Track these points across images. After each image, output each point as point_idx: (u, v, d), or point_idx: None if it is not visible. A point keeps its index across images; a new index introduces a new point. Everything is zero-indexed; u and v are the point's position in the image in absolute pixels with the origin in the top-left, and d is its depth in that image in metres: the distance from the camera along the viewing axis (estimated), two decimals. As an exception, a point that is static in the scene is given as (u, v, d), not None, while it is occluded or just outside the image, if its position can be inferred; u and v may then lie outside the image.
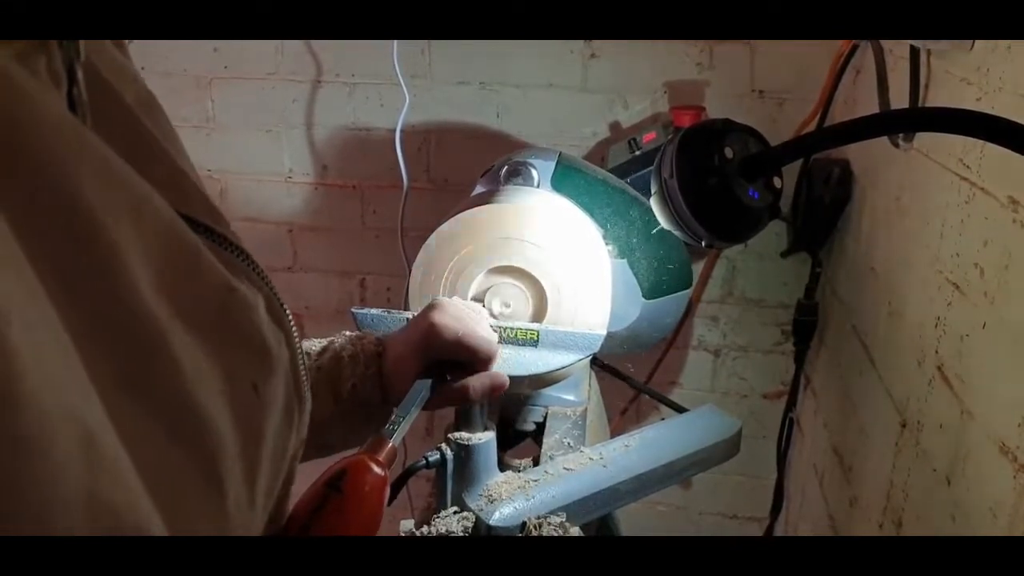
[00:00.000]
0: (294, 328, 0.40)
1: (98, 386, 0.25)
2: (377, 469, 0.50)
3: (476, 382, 0.71)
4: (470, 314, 0.74)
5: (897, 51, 1.00)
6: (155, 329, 0.28)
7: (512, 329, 0.81)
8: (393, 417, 0.61)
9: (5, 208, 0.23)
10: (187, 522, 0.29)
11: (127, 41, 0.39)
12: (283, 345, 0.38)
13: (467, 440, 0.75)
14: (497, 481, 0.77)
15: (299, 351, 0.40)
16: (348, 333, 0.74)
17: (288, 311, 0.39)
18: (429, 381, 0.67)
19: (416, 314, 0.76)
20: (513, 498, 0.75)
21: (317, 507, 0.46)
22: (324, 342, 0.73)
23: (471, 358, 0.71)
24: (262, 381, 0.35)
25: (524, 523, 0.73)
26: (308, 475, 0.49)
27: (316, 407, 0.68)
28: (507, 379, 0.73)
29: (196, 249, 0.32)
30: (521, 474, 0.80)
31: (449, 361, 0.70)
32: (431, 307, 0.73)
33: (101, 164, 0.28)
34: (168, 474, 0.28)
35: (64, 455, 0.23)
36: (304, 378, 0.41)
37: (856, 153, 1.21)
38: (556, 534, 0.72)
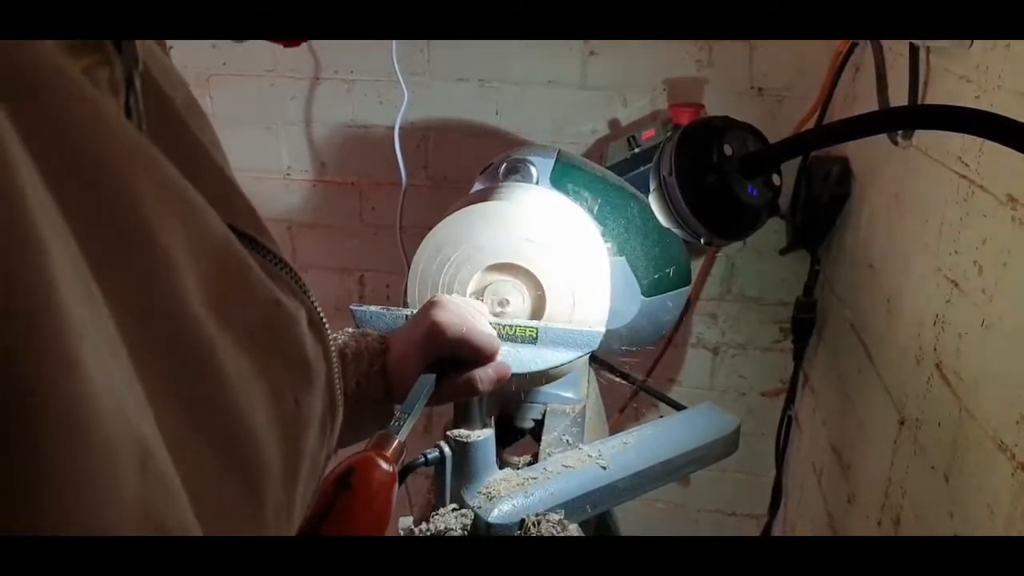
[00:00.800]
0: (332, 343, 0.40)
1: (151, 400, 0.25)
2: (385, 465, 0.50)
3: (482, 373, 0.71)
4: (471, 311, 0.74)
5: (896, 49, 1.00)
6: (205, 342, 0.28)
7: (511, 326, 0.81)
8: (398, 413, 0.61)
9: (70, 218, 0.23)
10: (228, 534, 0.29)
11: (169, 44, 0.38)
12: (322, 359, 0.38)
13: (466, 437, 0.75)
14: (496, 478, 0.77)
15: (335, 366, 0.40)
16: (350, 330, 0.74)
17: (327, 325, 0.39)
18: (433, 376, 0.67)
19: (416, 311, 0.76)
20: (512, 495, 0.75)
21: (328, 505, 0.46)
22: None
23: (474, 355, 0.71)
24: (303, 395, 0.35)
25: (523, 520, 0.73)
26: None
27: None
28: (511, 368, 0.73)
29: (246, 263, 0.32)
30: (520, 471, 0.80)
31: (451, 358, 0.70)
32: (432, 304, 0.73)
33: (160, 176, 0.28)
34: (213, 486, 0.28)
35: (124, 477, 0.23)
36: (338, 390, 0.41)
37: (855, 151, 1.21)
38: (555, 531, 0.72)
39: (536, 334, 0.81)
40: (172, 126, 0.33)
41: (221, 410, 0.29)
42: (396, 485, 0.51)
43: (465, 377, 0.70)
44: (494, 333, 0.73)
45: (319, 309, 0.39)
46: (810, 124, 1.31)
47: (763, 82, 1.37)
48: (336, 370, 0.40)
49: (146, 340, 0.26)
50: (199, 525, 0.26)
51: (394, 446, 0.54)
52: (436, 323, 0.70)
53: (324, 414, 0.38)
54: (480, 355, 0.71)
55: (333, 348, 0.40)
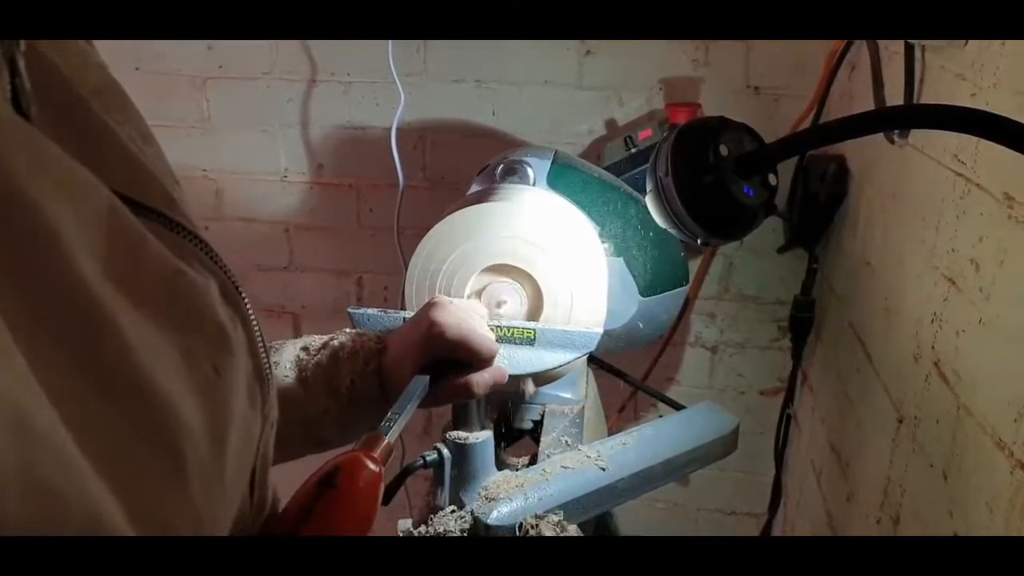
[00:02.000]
0: (251, 312, 0.40)
1: (45, 369, 0.25)
2: (372, 466, 0.50)
3: (478, 377, 0.71)
4: (470, 313, 0.74)
5: (892, 47, 1.00)
6: (103, 312, 0.28)
7: (509, 328, 0.81)
8: (389, 414, 0.60)
9: None
10: (148, 502, 0.29)
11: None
12: (240, 328, 0.38)
13: (465, 439, 0.75)
14: (495, 480, 0.77)
15: (258, 334, 0.40)
16: (349, 331, 0.74)
17: (244, 295, 0.40)
18: (427, 378, 0.67)
19: (414, 313, 0.76)
20: (511, 497, 0.75)
21: (311, 503, 0.46)
22: (324, 338, 0.73)
23: (472, 357, 0.71)
24: (221, 362, 0.35)
25: (522, 522, 0.73)
26: (301, 473, 0.49)
27: (313, 403, 0.68)
28: (507, 373, 0.73)
29: (139, 234, 0.32)
30: (519, 473, 0.80)
31: (448, 359, 0.70)
32: (431, 305, 0.73)
33: (38, 155, 0.28)
34: (127, 454, 0.28)
35: None
36: (265, 361, 0.41)
37: (852, 149, 1.21)
38: (554, 533, 0.72)
39: (534, 335, 0.81)
40: (68, 107, 0.33)
41: (129, 376, 0.29)
42: (382, 486, 0.50)
43: (462, 380, 0.70)
44: (492, 336, 0.74)
45: (235, 281, 0.39)
46: (807, 123, 1.31)
47: (759, 81, 1.38)
48: (261, 340, 0.41)
49: (35, 310, 0.26)
50: (110, 492, 0.26)
51: (382, 447, 0.54)
52: (435, 323, 0.70)
53: (251, 383, 0.39)
54: (478, 357, 0.71)
55: (254, 319, 0.40)
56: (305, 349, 0.72)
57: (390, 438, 0.56)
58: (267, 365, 0.41)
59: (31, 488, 0.23)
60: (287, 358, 0.71)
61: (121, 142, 0.35)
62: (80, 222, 0.29)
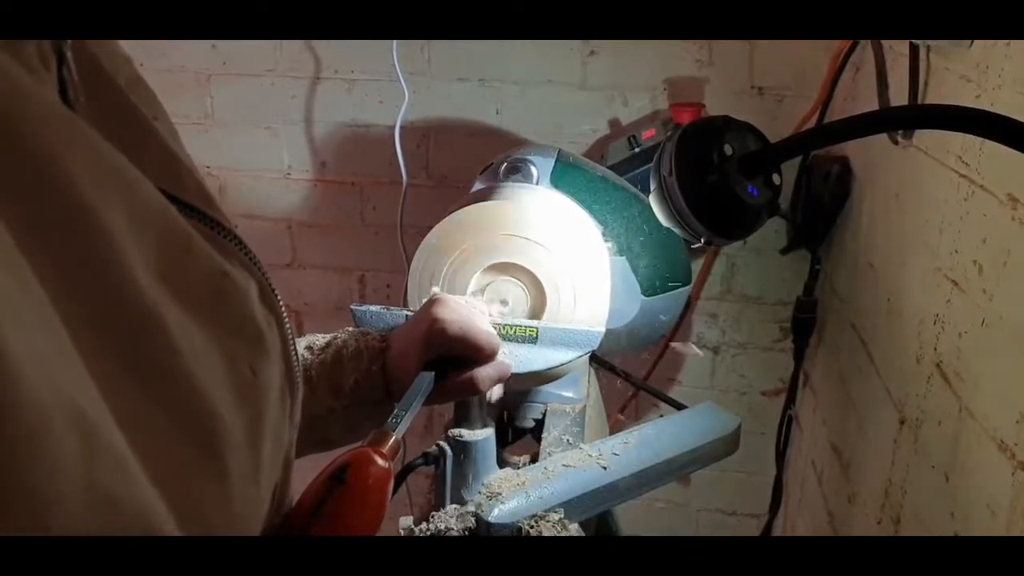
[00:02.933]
0: (285, 314, 0.40)
1: (99, 376, 0.25)
2: (381, 461, 0.50)
3: (482, 373, 0.71)
4: (471, 309, 0.74)
5: (896, 48, 1.00)
6: (154, 315, 0.28)
7: (511, 326, 0.81)
8: (396, 410, 0.60)
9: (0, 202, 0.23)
10: (191, 503, 0.29)
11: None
12: (275, 330, 0.38)
13: (466, 437, 0.75)
14: (496, 478, 0.77)
15: (290, 337, 0.40)
16: (351, 329, 0.74)
17: (279, 297, 0.40)
18: (432, 374, 0.66)
19: (416, 310, 0.76)
20: (512, 495, 0.75)
21: (321, 500, 0.46)
22: (328, 337, 0.73)
23: (474, 353, 0.70)
24: (258, 364, 0.35)
25: (523, 520, 0.73)
26: (309, 471, 0.49)
27: (318, 402, 0.68)
28: (511, 367, 0.73)
29: (188, 234, 0.32)
30: (520, 471, 0.80)
31: (451, 356, 0.70)
32: (433, 302, 0.73)
33: (93, 153, 0.28)
34: (172, 456, 0.28)
35: (61, 450, 0.22)
36: (296, 364, 0.41)
37: (855, 150, 1.21)
38: (555, 531, 0.72)
39: (536, 334, 0.81)
40: (112, 99, 0.33)
41: (176, 381, 0.29)
42: (392, 482, 0.50)
43: (466, 376, 0.70)
44: (494, 332, 0.73)
45: (271, 281, 0.39)
46: (810, 124, 1.31)
47: (763, 81, 1.37)
48: (292, 342, 0.40)
49: (91, 316, 0.26)
50: (159, 493, 0.26)
51: (391, 443, 0.54)
52: (437, 320, 0.70)
53: (282, 385, 0.39)
54: (480, 353, 0.71)
55: (287, 321, 0.40)
56: (309, 349, 0.72)
57: (398, 434, 0.56)
58: (297, 367, 0.41)
59: (93, 497, 0.23)
60: None
61: (161, 137, 0.35)
62: (133, 222, 0.28)
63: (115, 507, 0.24)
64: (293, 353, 0.41)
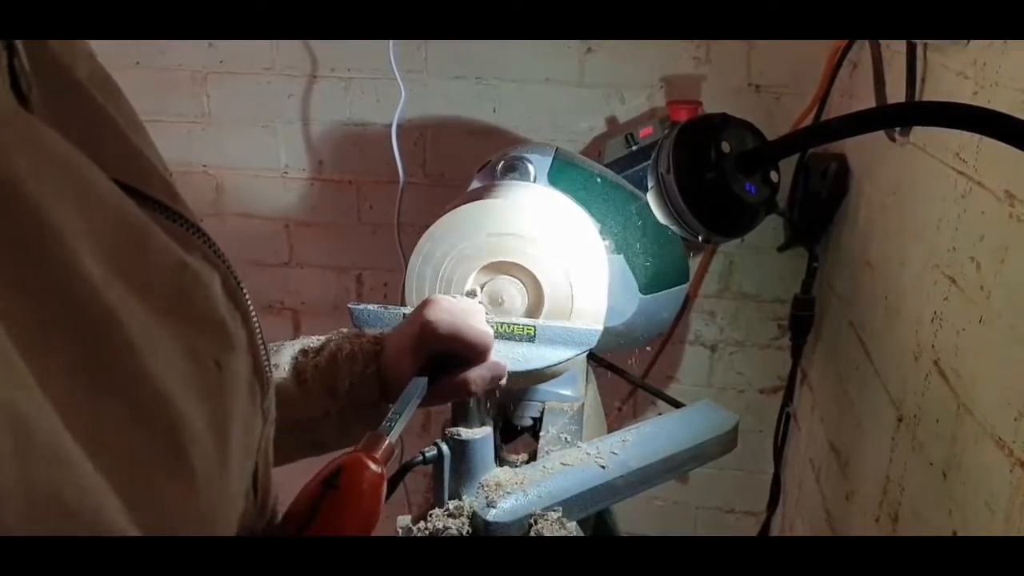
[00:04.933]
0: (251, 307, 0.40)
1: (48, 374, 0.25)
2: (374, 466, 0.50)
3: (475, 374, 0.71)
4: (464, 308, 0.74)
5: (893, 46, 0.99)
6: (107, 311, 0.28)
7: (508, 325, 0.81)
8: (389, 414, 0.60)
9: None
10: (154, 500, 0.28)
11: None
12: (240, 324, 0.38)
13: (464, 436, 0.75)
14: (494, 476, 0.77)
15: (258, 332, 0.40)
16: (345, 331, 0.74)
17: (245, 291, 0.39)
18: (425, 379, 0.66)
19: (413, 309, 0.76)
20: (510, 494, 0.75)
21: (315, 505, 0.46)
22: (322, 340, 0.73)
23: (466, 351, 0.70)
24: (223, 358, 0.35)
25: (521, 519, 0.73)
26: (305, 474, 0.49)
27: (312, 405, 0.68)
28: (506, 368, 0.73)
29: (145, 227, 0.32)
30: (518, 469, 0.80)
31: (446, 357, 0.70)
32: (425, 304, 0.73)
33: (40, 148, 0.28)
34: (131, 454, 0.28)
35: None
36: (265, 360, 0.41)
37: (853, 147, 1.21)
38: (553, 530, 0.72)
39: (534, 332, 0.81)
40: (68, 92, 0.33)
41: (134, 377, 0.29)
42: (385, 486, 0.50)
43: (460, 378, 0.70)
44: (488, 331, 0.73)
45: (236, 276, 0.39)
46: (808, 121, 1.31)
47: (761, 79, 1.37)
48: (260, 337, 0.40)
49: (39, 313, 0.26)
50: (113, 494, 0.26)
51: (384, 447, 0.54)
52: (427, 321, 0.69)
53: (251, 379, 0.38)
54: (472, 351, 0.70)
55: (255, 315, 0.40)
56: (304, 351, 0.71)
57: (391, 438, 0.56)
58: (266, 361, 0.41)
59: (33, 494, 0.23)
60: (285, 360, 0.70)
61: (120, 129, 0.35)
62: (85, 216, 0.28)
63: (60, 506, 0.24)
64: (262, 348, 0.40)
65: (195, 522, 0.31)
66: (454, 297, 0.78)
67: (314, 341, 0.73)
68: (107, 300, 0.28)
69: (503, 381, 0.74)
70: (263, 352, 0.41)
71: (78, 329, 0.27)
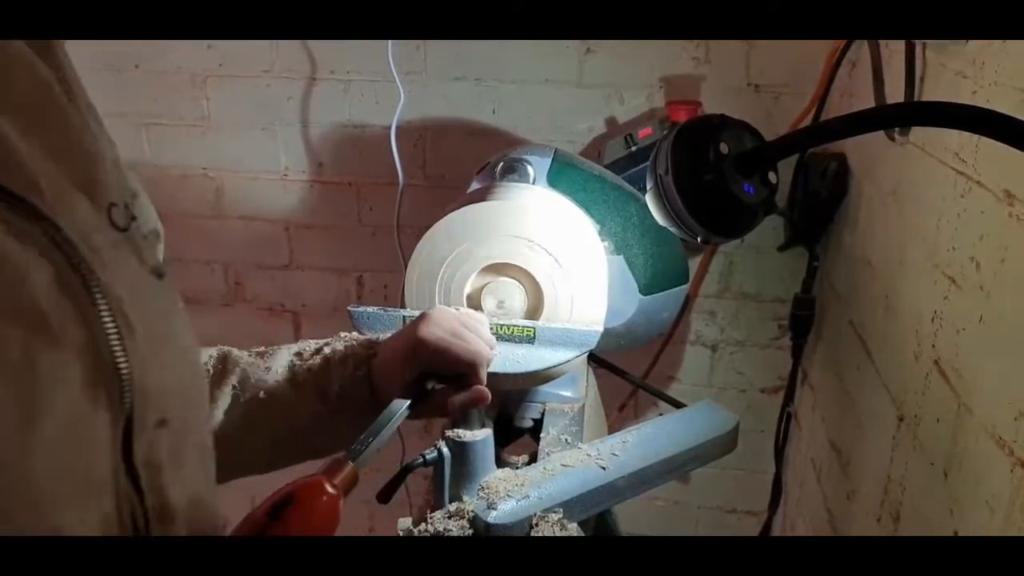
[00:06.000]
0: (102, 309, 0.38)
1: None
2: (330, 491, 0.48)
3: (456, 399, 0.71)
4: (466, 323, 0.74)
5: (892, 45, 0.99)
6: None
7: (508, 326, 0.81)
8: (361, 437, 0.59)
9: None
10: None
11: None
12: (72, 320, 0.37)
13: (464, 437, 0.75)
14: (495, 478, 0.77)
15: (111, 331, 0.39)
16: (344, 335, 0.74)
17: (96, 290, 0.38)
18: (406, 402, 0.66)
19: (414, 311, 0.76)
20: (511, 495, 0.75)
21: (259, 532, 0.44)
22: (319, 343, 0.73)
23: (457, 368, 0.71)
24: (38, 351, 0.34)
25: (522, 520, 0.73)
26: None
27: (305, 407, 0.68)
28: (488, 395, 0.73)
29: None
30: (519, 471, 0.79)
31: (436, 372, 0.70)
32: (422, 318, 0.73)
33: None
34: None
35: None
36: (121, 360, 0.39)
37: (852, 147, 1.21)
38: (554, 531, 0.72)
39: (534, 334, 0.81)
40: None
41: None
42: (339, 514, 0.48)
43: (439, 400, 0.70)
44: (482, 349, 0.73)
45: (85, 271, 0.38)
46: (807, 121, 1.31)
47: (760, 79, 1.37)
48: (112, 335, 0.39)
49: None
50: None
51: (345, 472, 0.52)
52: (420, 338, 0.70)
53: (92, 380, 0.38)
54: (463, 367, 0.71)
55: (107, 314, 0.39)
56: (299, 355, 0.72)
57: (358, 464, 0.54)
58: (123, 364, 0.39)
59: None
60: (281, 363, 0.71)
61: None
62: None
63: None
64: (118, 348, 0.39)
65: None
66: (457, 309, 0.78)
67: (310, 345, 0.73)
68: None
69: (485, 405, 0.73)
70: (120, 355, 0.39)
71: None
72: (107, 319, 0.39)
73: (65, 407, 0.36)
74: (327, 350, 0.71)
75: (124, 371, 0.40)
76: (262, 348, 0.73)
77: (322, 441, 0.70)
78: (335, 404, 0.69)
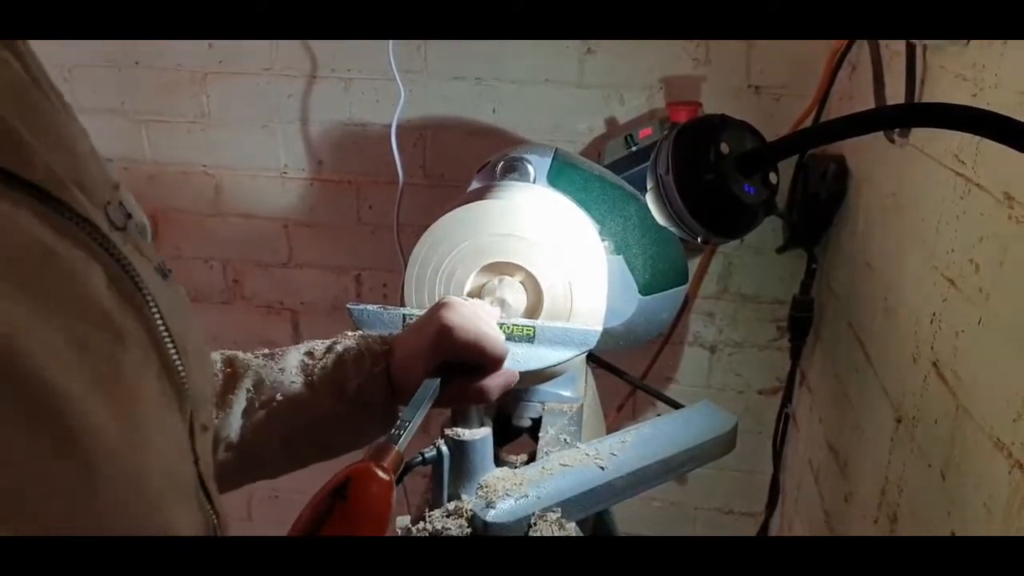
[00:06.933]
0: (153, 308, 0.39)
1: None
2: (382, 475, 0.50)
3: (492, 383, 0.70)
4: (481, 315, 0.73)
5: (893, 47, 1.00)
6: None
7: (508, 325, 0.80)
8: (399, 421, 0.60)
9: None
10: (35, 495, 0.28)
11: None
12: (133, 322, 0.37)
13: (463, 436, 0.75)
14: (493, 477, 0.77)
15: (161, 334, 0.39)
16: (351, 333, 0.74)
17: (145, 291, 0.38)
18: (437, 381, 0.66)
19: (414, 309, 0.76)
20: (509, 494, 0.75)
21: (322, 517, 0.46)
22: (328, 342, 0.72)
23: (482, 360, 0.70)
24: (114, 351, 0.34)
25: (520, 519, 0.73)
26: (323, 479, 0.49)
27: (320, 406, 0.68)
28: (518, 375, 0.72)
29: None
30: (517, 470, 0.80)
31: (458, 362, 0.70)
32: (443, 306, 0.71)
33: None
34: (17, 456, 0.27)
35: None
36: (178, 364, 0.40)
37: (852, 149, 1.21)
38: (552, 530, 0.72)
39: (533, 333, 0.81)
40: None
41: (9, 364, 0.28)
42: (393, 495, 0.50)
43: (476, 385, 0.69)
44: (503, 337, 0.73)
45: (133, 273, 0.38)
46: (807, 123, 1.31)
47: (760, 80, 1.37)
48: (163, 339, 0.39)
49: None
50: None
51: (392, 455, 0.53)
52: (446, 326, 0.68)
53: (160, 383, 0.37)
54: (488, 360, 0.70)
55: (156, 312, 0.39)
56: (309, 354, 0.71)
57: (400, 447, 0.55)
58: (180, 368, 0.40)
59: None
60: (292, 364, 0.70)
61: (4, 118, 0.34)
62: None
63: None
64: (173, 353, 0.39)
65: (102, 520, 0.30)
66: (465, 299, 0.77)
67: (321, 344, 0.72)
68: None
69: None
70: (174, 354, 0.39)
71: None
72: (158, 320, 0.39)
73: (150, 408, 0.36)
74: (339, 348, 0.71)
75: (183, 373, 0.40)
76: (267, 350, 0.72)
77: (337, 439, 0.69)
78: (352, 402, 0.68)
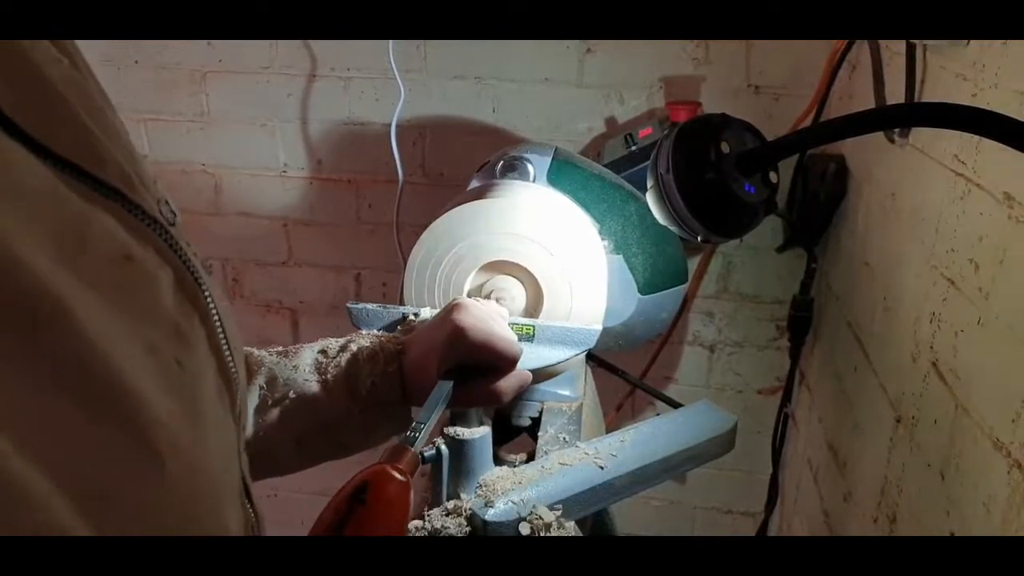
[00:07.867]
0: (213, 307, 0.39)
1: None
2: (400, 478, 0.50)
3: (506, 384, 0.70)
4: (494, 316, 0.73)
5: (893, 47, 1.00)
6: (52, 295, 0.27)
7: (508, 324, 0.80)
8: (414, 423, 0.60)
9: None
10: (113, 494, 0.28)
11: None
12: (197, 323, 0.37)
13: (463, 435, 0.75)
14: (493, 476, 0.77)
15: (219, 334, 0.39)
16: (366, 332, 0.74)
17: (206, 291, 0.38)
18: (450, 383, 0.66)
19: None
20: (509, 493, 0.75)
21: (342, 520, 0.46)
22: (342, 341, 0.72)
23: (496, 361, 0.70)
24: (182, 355, 0.34)
25: (519, 518, 0.73)
26: (322, 477, 0.49)
27: (334, 405, 0.68)
28: (531, 376, 0.72)
29: (83, 216, 0.31)
30: (517, 469, 0.80)
31: (471, 363, 0.70)
32: (455, 307, 0.71)
33: None
34: (93, 450, 0.27)
35: None
36: (231, 363, 0.40)
37: (851, 149, 1.21)
38: (552, 530, 0.72)
39: (533, 332, 0.81)
40: (17, 76, 0.31)
41: (84, 361, 0.28)
42: (411, 497, 0.50)
43: (490, 387, 0.69)
44: (515, 338, 0.72)
45: (196, 273, 0.38)
46: (807, 122, 1.31)
47: (760, 80, 1.37)
48: (223, 339, 0.39)
49: None
50: (46, 478, 0.25)
51: (408, 457, 0.53)
52: (459, 327, 0.68)
53: (218, 383, 0.38)
54: (502, 361, 0.70)
55: (216, 316, 0.39)
56: (323, 352, 0.71)
57: (416, 448, 0.56)
58: (232, 366, 0.40)
59: None
60: (306, 362, 0.70)
61: (75, 113, 0.33)
62: (24, 210, 0.27)
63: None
64: (227, 350, 0.40)
65: (168, 517, 0.30)
66: (478, 301, 0.77)
67: (334, 342, 0.72)
68: (52, 293, 0.27)
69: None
70: (228, 356, 0.40)
71: (19, 318, 0.26)
72: (216, 319, 0.39)
73: (213, 412, 0.36)
74: (353, 347, 0.71)
75: (233, 371, 0.40)
76: (281, 347, 0.72)
77: (350, 438, 0.69)
78: (365, 400, 0.68)
